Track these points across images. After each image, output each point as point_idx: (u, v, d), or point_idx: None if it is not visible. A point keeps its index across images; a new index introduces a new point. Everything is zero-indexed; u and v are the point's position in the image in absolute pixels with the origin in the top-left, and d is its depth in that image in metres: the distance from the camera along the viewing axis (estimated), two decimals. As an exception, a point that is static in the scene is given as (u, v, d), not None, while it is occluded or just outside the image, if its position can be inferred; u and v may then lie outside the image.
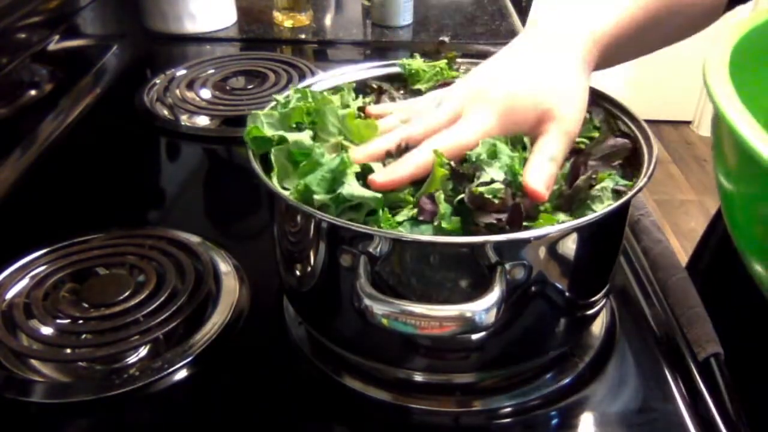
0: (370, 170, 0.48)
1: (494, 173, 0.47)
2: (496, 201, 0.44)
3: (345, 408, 0.53)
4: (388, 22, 1.22)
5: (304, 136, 0.50)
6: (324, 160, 0.47)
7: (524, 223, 0.44)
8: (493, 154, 0.48)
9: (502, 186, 0.45)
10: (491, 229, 0.44)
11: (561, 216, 0.47)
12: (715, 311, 0.57)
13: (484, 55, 0.57)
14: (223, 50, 1.16)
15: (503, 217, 0.44)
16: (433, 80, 0.63)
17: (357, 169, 0.47)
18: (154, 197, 0.81)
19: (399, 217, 0.46)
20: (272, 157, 0.50)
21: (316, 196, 0.46)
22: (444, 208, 0.45)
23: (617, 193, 0.48)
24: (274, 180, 0.49)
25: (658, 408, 0.52)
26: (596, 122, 0.56)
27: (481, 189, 0.44)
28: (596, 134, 0.55)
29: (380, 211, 0.46)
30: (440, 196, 0.45)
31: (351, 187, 0.45)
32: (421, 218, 0.45)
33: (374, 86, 0.63)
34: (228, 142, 0.89)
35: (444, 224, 0.44)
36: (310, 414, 0.52)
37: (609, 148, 0.52)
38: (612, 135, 0.54)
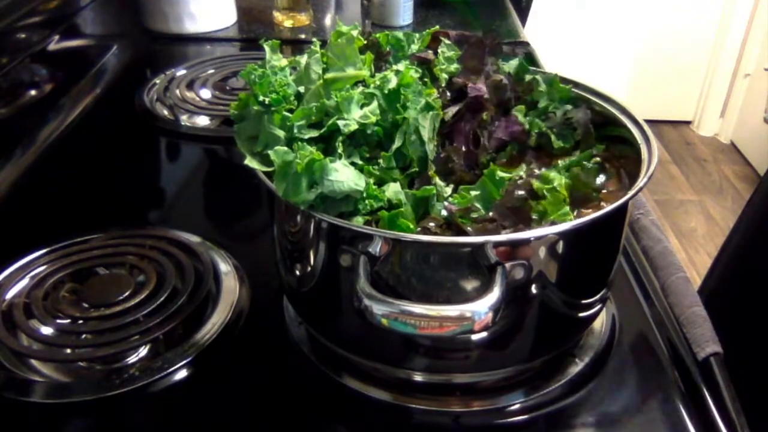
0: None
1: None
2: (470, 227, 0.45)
3: (345, 408, 0.53)
4: (388, 22, 1.22)
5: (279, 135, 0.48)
6: (289, 158, 0.44)
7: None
8: None
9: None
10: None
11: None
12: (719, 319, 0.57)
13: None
14: (223, 50, 1.16)
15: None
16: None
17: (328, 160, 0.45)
18: (154, 197, 0.81)
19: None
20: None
21: (300, 200, 0.44)
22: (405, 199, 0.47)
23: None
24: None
25: (658, 408, 0.52)
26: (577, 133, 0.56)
27: (463, 219, 0.46)
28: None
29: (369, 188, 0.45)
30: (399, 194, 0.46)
31: (332, 183, 0.44)
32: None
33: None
34: (228, 142, 0.88)
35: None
36: (310, 414, 0.52)
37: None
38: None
